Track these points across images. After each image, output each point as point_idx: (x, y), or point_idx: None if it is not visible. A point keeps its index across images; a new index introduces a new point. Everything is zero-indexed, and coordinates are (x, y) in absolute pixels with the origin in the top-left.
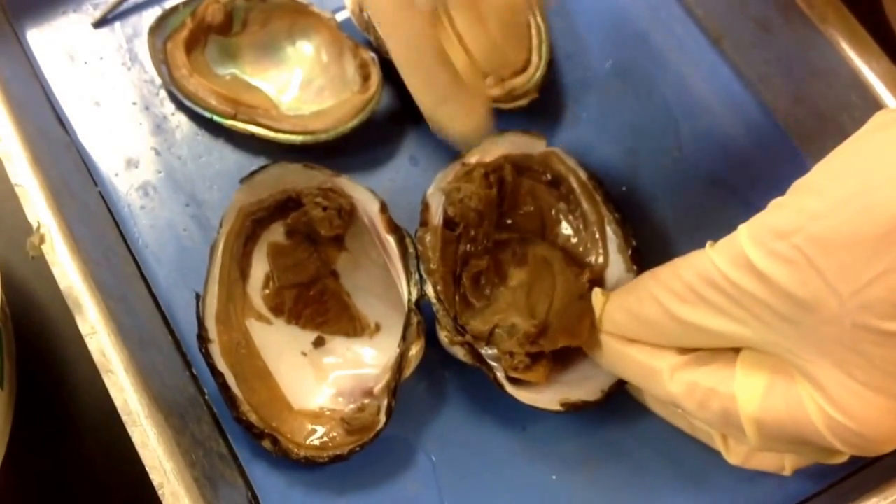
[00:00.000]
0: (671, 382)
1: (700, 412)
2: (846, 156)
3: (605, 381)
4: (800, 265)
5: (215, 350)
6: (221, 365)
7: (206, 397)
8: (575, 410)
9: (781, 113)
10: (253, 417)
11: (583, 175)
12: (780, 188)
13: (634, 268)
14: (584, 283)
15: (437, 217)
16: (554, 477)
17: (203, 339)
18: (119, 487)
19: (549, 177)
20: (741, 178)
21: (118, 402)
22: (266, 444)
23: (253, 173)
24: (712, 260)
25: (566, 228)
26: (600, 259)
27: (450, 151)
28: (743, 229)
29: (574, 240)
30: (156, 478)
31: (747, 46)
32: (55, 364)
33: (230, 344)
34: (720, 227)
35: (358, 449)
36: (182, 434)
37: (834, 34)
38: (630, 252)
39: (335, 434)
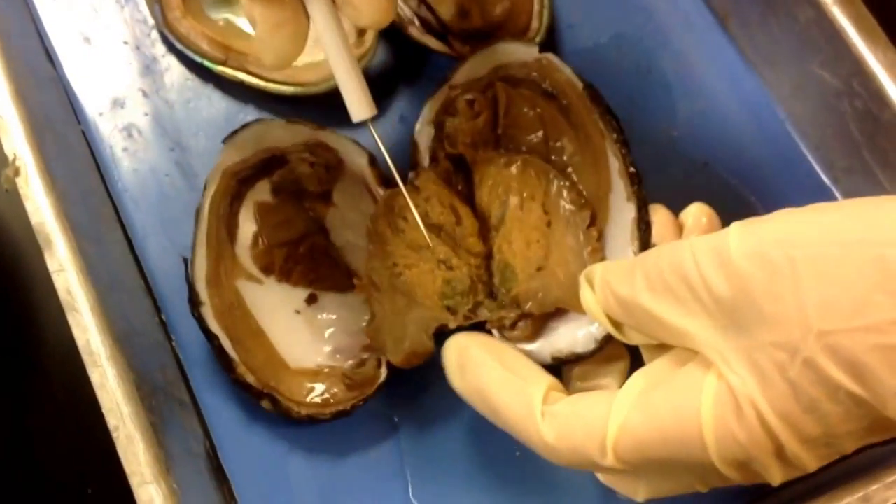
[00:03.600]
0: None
1: (560, 442)
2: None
3: (597, 330)
4: (784, 278)
5: (208, 313)
6: (215, 327)
7: (174, 344)
8: (565, 364)
9: (783, 98)
10: (251, 378)
11: (579, 84)
12: (774, 176)
13: (634, 192)
14: (588, 252)
15: (425, 158)
16: (518, 454)
17: (195, 302)
18: (77, 427)
19: (547, 87)
20: (735, 162)
21: (80, 342)
22: (265, 403)
23: (235, 132)
24: (692, 250)
25: (567, 144)
26: (603, 184)
27: None
28: (736, 225)
29: (576, 158)
30: (111, 420)
31: (753, 27)
32: (23, 300)
33: (223, 306)
34: None
35: (361, 403)
36: (143, 379)
37: (841, 18)
38: (629, 176)
39: (336, 390)
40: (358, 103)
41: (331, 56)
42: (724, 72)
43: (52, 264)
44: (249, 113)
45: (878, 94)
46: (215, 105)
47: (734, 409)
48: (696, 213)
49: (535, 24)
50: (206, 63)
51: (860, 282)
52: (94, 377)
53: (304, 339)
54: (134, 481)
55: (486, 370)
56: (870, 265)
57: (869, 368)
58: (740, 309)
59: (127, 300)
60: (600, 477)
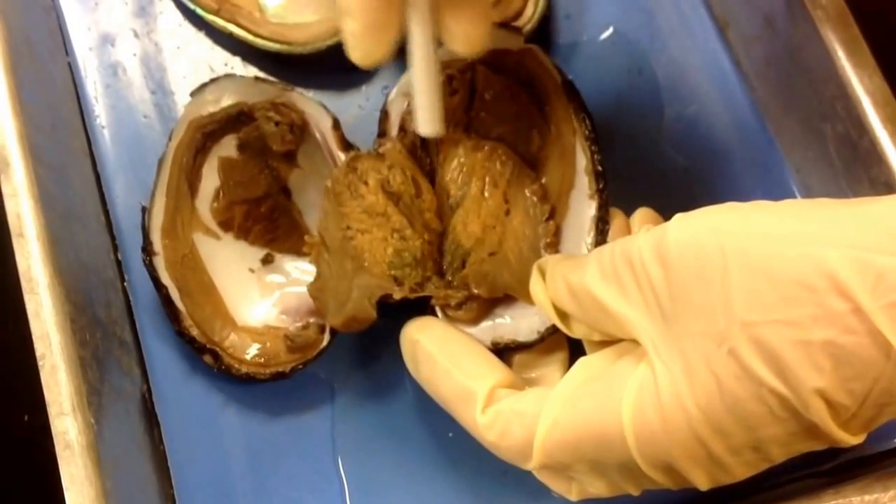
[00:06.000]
0: (482, 414)
1: (501, 441)
2: (836, 206)
3: (541, 321)
4: (713, 266)
5: (160, 263)
6: (165, 278)
7: (126, 284)
8: (506, 351)
9: (771, 115)
10: (195, 332)
11: (558, 78)
12: (752, 192)
13: (598, 191)
14: (544, 245)
15: (394, 128)
16: (451, 435)
17: (148, 251)
18: (12, 355)
19: (526, 77)
20: (714, 172)
21: (21, 268)
22: (207, 358)
23: (203, 86)
24: (638, 239)
25: (537, 137)
26: (566, 179)
27: None
28: (678, 216)
29: (543, 152)
30: (39, 348)
31: (751, 40)
32: None
33: (176, 257)
34: None
35: (300, 367)
36: (81, 312)
37: (832, 39)
38: (595, 175)
39: (277, 351)
40: (430, 119)
41: (417, 67)
42: (717, 81)
43: (6, 187)
44: (235, 65)
45: (858, 120)
46: (203, 54)
47: (654, 400)
48: (643, 217)
49: (529, 9)
50: (199, 10)
51: (785, 275)
52: (30, 305)
53: (253, 297)
54: (52, 411)
55: (434, 367)
56: (796, 260)
57: (789, 365)
58: (674, 296)
59: (82, 233)
60: (535, 472)
